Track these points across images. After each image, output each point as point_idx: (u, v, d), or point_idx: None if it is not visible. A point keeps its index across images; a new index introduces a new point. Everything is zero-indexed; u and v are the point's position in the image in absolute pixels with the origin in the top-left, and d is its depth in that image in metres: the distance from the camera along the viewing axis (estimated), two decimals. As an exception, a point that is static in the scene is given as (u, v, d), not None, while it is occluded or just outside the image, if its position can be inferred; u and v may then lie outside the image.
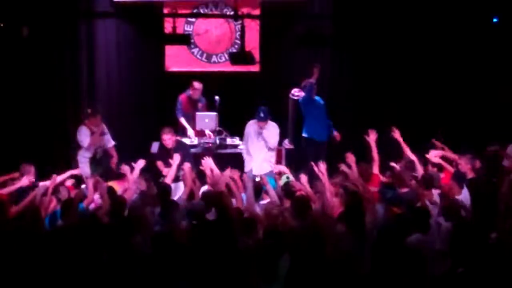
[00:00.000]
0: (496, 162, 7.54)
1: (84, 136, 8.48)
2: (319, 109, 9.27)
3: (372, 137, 7.72)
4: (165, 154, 8.19)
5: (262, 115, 8.47)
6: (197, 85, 9.67)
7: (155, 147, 8.84)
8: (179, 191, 7.45)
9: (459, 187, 6.77)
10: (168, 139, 8.35)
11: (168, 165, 7.82)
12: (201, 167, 7.55)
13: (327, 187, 6.67)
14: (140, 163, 7.38)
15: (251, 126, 8.68)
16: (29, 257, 5.06)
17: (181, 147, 8.42)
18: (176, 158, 7.61)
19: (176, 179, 7.85)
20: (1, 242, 5.27)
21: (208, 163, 7.45)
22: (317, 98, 9.27)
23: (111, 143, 8.81)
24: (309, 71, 9.11)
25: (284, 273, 4.85)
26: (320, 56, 10.39)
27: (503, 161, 7.53)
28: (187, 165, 7.38)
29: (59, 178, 7.38)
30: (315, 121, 9.30)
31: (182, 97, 9.79)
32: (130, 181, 7.10)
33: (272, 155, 8.70)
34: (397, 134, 7.99)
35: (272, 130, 8.61)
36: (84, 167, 8.48)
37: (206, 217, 6.02)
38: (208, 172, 7.32)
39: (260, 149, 8.61)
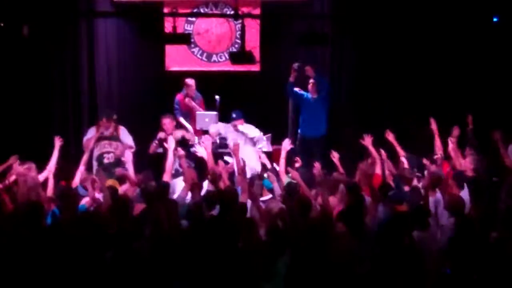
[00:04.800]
0: (497, 162, 7.54)
1: (88, 133, 8.51)
2: (308, 106, 9.32)
3: (367, 141, 7.76)
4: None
5: (233, 115, 8.66)
6: (189, 81, 9.70)
7: (159, 149, 8.84)
8: (178, 187, 7.41)
9: (458, 187, 6.78)
10: (168, 123, 8.47)
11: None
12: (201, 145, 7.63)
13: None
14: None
15: (229, 134, 8.76)
16: (27, 253, 5.05)
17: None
18: (171, 143, 7.55)
19: (176, 174, 7.83)
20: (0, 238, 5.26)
21: (207, 144, 7.47)
22: (306, 94, 9.38)
23: (128, 145, 8.48)
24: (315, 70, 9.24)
25: (284, 271, 4.86)
26: (320, 56, 10.40)
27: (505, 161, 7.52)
28: (187, 167, 7.34)
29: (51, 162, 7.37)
30: (304, 118, 9.40)
31: (179, 96, 9.81)
32: (130, 179, 7.10)
33: (258, 152, 8.73)
34: (390, 136, 8.03)
35: (249, 126, 8.75)
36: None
37: (206, 215, 6.02)
38: (209, 158, 7.30)
39: (243, 150, 8.61)
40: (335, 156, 7.86)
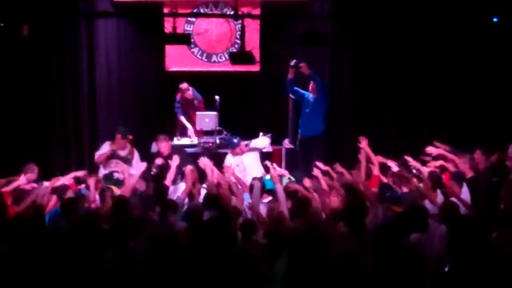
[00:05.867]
0: (497, 162, 7.53)
1: (101, 149, 8.41)
2: (307, 106, 9.34)
3: (364, 144, 7.76)
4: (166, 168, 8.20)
5: (235, 141, 8.75)
6: (184, 86, 9.69)
7: (154, 147, 8.85)
8: (178, 193, 7.43)
9: (458, 187, 6.78)
10: (163, 146, 8.42)
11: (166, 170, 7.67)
12: (200, 165, 7.59)
13: (324, 186, 6.72)
14: (142, 166, 7.42)
15: (230, 161, 8.71)
16: (28, 256, 5.05)
17: (177, 151, 8.40)
18: (175, 160, 7.55)
19: (175, 182, 7.83)
20: (2, 240, 5.26)
21: (206, 162, 7.46)
22: (307, 94, 9.37)
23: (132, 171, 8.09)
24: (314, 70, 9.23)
25: (283, 273, 4.85)
26: (320, 56, 10.40)
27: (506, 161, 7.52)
28: (188, 167, 7.37)
29: (61, 181, 7.35)
30: (304, 117, 9.42)
31: (179, 95, 9.81)
32: (128, 182, 7.09)
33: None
34: (364, 143, 7.91)
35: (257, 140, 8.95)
36: None
37: (205, 218, 6.02)
38: (208, 172, 7.32)
39: (252, 166, 8.69)
40: (362, 142, 7.78)
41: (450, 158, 7.67)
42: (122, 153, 8.36)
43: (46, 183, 7.31)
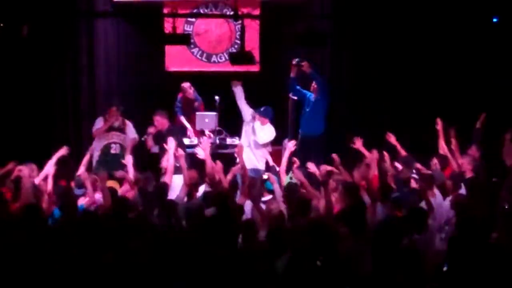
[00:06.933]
0: (497, 162, 7.54)
1: (96, 124, 8.63)
2: (308, 105, 9.33)
3: (358, 144, 7.77)
4: (159, 138, 8.34)
5: (262, 109, 8.61)
6: (185, 85, 9.72)
7: (154, 147, 8.84)
8: (175, 184, 7.37)
9: (455, 187, 6.78)
10: (158, 120, 8.53)
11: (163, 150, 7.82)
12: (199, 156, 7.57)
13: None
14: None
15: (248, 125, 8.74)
16: (28, 254, 5.05)
17: (172, 132, 8.46)
18: (171, 143, 7.46)
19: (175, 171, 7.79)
20: (2, 238, 5.25)
21: (206, 145, 7.45)
22: (309, 94, 9.35)
23: (131, 137, 8.72)
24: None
25: (283, 272, 4.85)
26: (320, 56, 10.40)
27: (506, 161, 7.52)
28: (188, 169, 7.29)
29: (46, 169, 7.28)
30: (304, 116, 9.41)
31: (181, 95, 9.82)
32: (129, 182, 7.08)
33: (262, 154, 8.73)
34: (392, 139, 8.02)
35: (266, 128, 8.71)
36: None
37: (205, 216, 6.01)
38: (208, 163, 7.26)
39: (248, 143, 8.63)
40: (357, 143, 7.83)
41: (457, 155, 7.65)
42: (116, 124, 8.60)
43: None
